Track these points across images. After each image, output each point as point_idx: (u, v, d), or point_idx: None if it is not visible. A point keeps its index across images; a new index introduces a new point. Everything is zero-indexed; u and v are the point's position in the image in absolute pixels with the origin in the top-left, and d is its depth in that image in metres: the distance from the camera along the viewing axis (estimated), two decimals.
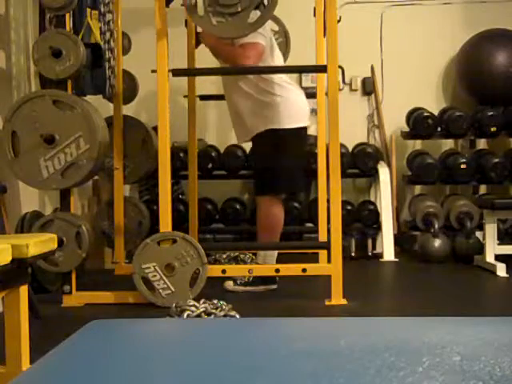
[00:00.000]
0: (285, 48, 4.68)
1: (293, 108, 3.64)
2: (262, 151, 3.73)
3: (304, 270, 3.49)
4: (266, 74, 3.64)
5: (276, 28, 4.79)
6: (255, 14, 3.20)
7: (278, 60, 3.74)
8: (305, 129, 3.73)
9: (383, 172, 5.20)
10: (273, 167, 3.67)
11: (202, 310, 2.94)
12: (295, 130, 3.64)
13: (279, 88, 3.63)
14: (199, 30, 4.15)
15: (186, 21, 4.37)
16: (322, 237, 4.25)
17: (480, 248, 4.60)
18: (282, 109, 3.61)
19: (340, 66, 4.24)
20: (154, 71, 3.54)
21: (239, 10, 3.15)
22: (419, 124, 5.26)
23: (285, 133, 3.62)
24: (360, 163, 5.29)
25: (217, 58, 3.84)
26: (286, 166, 3.67)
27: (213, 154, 5.28)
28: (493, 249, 4.38)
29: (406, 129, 5.42)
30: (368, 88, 5.68)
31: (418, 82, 5.62)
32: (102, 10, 3.68)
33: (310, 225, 5.14)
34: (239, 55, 3.53)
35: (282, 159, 3.65)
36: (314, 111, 5.36)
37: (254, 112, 3.65)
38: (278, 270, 3.52)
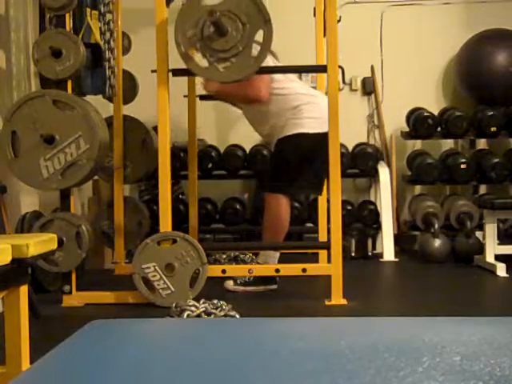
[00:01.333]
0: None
1: (319, 114, 3.66)
2: (285, 152, 3.75)
3: (304, 270, 3.49)
4: (265, 74, 3.64)
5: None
6: (255, 48, 3.22)
7: (281, 76, 3.77)
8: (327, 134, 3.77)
9: (383, 172, 5.20)
10: (292, 168, 3.71)
11: (202, 309, 2.94)
12: (320, 135, 3.66)
13: (305, 97, 3.70)
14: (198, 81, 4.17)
15: None
16: (322, 237, 4.25)
17: (480, 248, 4.60)
18: (309, 115, 3.67)
19: (340, 66, 4.23)
20: (153, 71, 3.54)
21: (241, 49, 3.17)
22: (419, 124, 5.26)
23: (310, 137, 3.66)
24: (360, 163, 5.29)
25: (225, 101, 3.90)
26: (305, 169, 3.72)
27: (213, 154, 5.28)
28: (493, 249, 4.38)
29: (406, 129, 5.42)
30: (368, 88, 5.68)
31: (418, 82, 5.62)
32: (102, 10, 3.68)
33: (310, 225, 5.14)
34: (250, 91, 3.62)
35: (302, 161, 3.70)
36: None
37: (279, 126, 3.70)
38: (278, 270, 3.52)
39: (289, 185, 3.73)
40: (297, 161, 3.71)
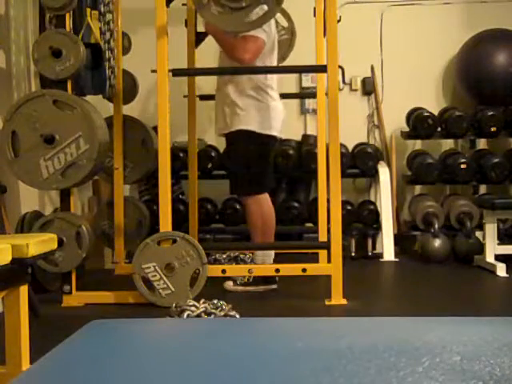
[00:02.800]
0: (287, 46, 4.68)
1: (269, 115, 3.67)
2: (236, 150, 3.78)
3: (304, 270, 3.49)
4: (264, 74, 3.64)
5: (285, 24, 4.80)
6: (262, 9, 3.20)
7: (274, 62, 3.76)
8: (274, 138, 3.76)
9: (383, 172, 5.20)
10: (249, 166, 3.71)
11: (202, 309, 2.94)
12: (266, 137, 3.67)
13: (262, 93, 3.68)
14: (200, 28, 4.16)
15: (186, 21, 4.37)
16: (322, 237, 4.25)
17: (480, 248, 4.60)
18: (259, 113, 3.67)
19: (340, 66, 4.23)
20: (153, 71, 3.54)
21: (243, 5, 3.15)
22: (419, 124, 5.26)
23: (256, 137, 3.67)
24: (360, 163, 5.29)
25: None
26: (261, 165, 3.74)
27: (213, 154, 5.28)
28: (493, 249, 4.38)
29: (406, 129, 5.42)
30: (368, 88, 5.68)
31: (418, 82, 5.62)
32: (102, 9, 3.68)
33: (309, 225, 5.14)
34: (239, 47, 3.56)
35: (255, 159, 3.71)
36: (314, 111, 5.38)
37: (234, 108, 3.69)
38: (278, 270, 3.52)
39: (257, 183, 3.73)
40: (253, 157, 3.70)
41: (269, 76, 3.72)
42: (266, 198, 3.76)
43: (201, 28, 4.10)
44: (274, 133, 3.74)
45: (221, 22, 3.28)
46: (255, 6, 3.18)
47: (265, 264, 3.76)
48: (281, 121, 3.77)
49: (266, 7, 3.18)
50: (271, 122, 3.69)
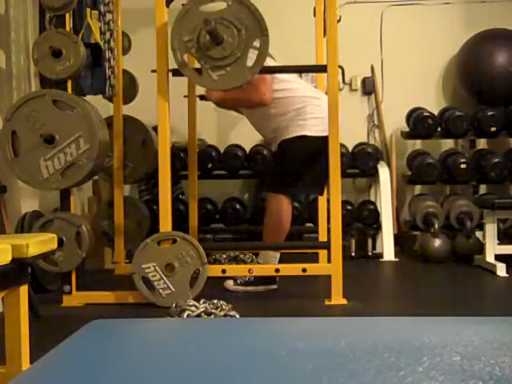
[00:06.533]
0: None
1: (322, 115, 3.66)
2: (287, 154, 3.76)
3: (304, 270, 3.49)
4: (266, 74, 3.64)
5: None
6: (253, 53, 3.21)
7: (280, 76, 3.76)
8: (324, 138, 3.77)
9: (383, 172, 5.20)
10: (294, 169, 3.72)
11: (201, 309, 2.94)
12: (323, 138, 3.66)
13: (306, 99, 3.70)
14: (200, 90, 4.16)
15: None
16: (322, 237, 4.25)
17: (480, 248, 4.61)
18: (312, 116, 3.67)
19: (340, 66, 4.23)
20: (154, 71, 3.54)
21: (238, 55, 3.16)
22: (419, 124, 5.26)
23: (313, 140, 3.66)
24: (360, 163, 5.29)
25: (232, 109, 3.91)
26: (306, 170, 3.73)
27: (213, 154, 5.28)
28: (493, 249, 4.38)
29: (406, 129, 5.42)
30: (368, 88, 5.69)
31: (418, 82, 5.62)
32: (102, 9, 3.68)
33: (310, 225, 5.14)
34: (253, 95, 3.61)
35: (306, 163, 3.71)
36: None
37: (281, 127, 3.71)
38: (277, 270, 3.52)
39: (290, 185, 3.74)
40: (299, 162, 3.72)
41: (294, 81, 3.76)
42: (287, 200, 3.74)
43: None
44: (323, 133, 3.69)
45: (225, 83, 3.28)
46: (247, 54, 3.18)
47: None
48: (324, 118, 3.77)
49: (256, 51, 3.19)
50: (322, 124, 3.67)
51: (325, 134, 3.53)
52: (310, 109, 3.69)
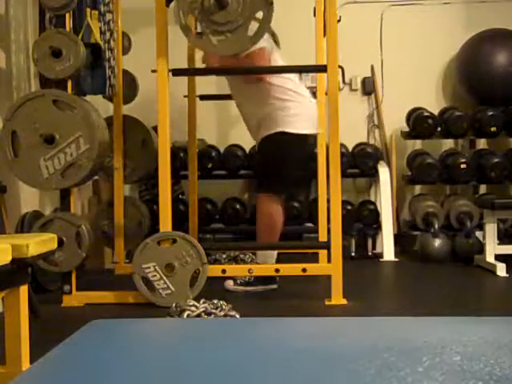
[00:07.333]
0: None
1: (303, 114, 3.66)
2: (269, 151, 3.74)
3: (304, 270, 3.49)
4: (265, 73, 3.64)
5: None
6: (253, 25, 3.21)
7: (279, 61, 3.76)
8: (311, 136, 3.75)
9: (383, 172, 5.20)
10: (277, 167, 3.70)
11: (201, 309, 2.94)
12: (303, 136, 3.65)
13: (292, 94, 3.67)
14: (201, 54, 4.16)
15: None
16: (322, 237, 4.25)
17: (480, 248, 4.60)
18: (293, 113, 3.64)
19: (340, 66, 4.23)
20: (154, 71, 3.54)
21: (240, 23, 3.16)
22: (419, 124, 5.26)
23: (292, 137, 3.64)
24: (360, 163, 5.29)
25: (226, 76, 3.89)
26: (290, 168, 3.71)
27: (213, 154, 5.28)
28: (493, 249, 4.38)
29: (406, 129, 5.42)
30: (368, 88, 5.68)
31: (418, 82, 5.62)
32: (102, 10, 3.68)
33: (310, 225, 5.14)
34: (251, 65, 3.56)
35: (286, 160, 3.68)
36: None
37: (266, 116, 3.68)
38: (278, 270, 3.52)
39: (277, 184, 3.73)
40: (283, 159, 3.69)
41: (287, 76, 3.73)
42: (278, 200, 3.74)
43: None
44: (313, 130, 3.71)
45: (224, 49, 3.28)
46: (249, 23, 3.18)
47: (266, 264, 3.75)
48: (313, 117, 3.75)
49: (257, 24, 3.19)
50: (308, 120, 3.67)
51: (307, 131, 3.54)
52: (294, 105, 3.66)
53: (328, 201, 3.83)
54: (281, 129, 3.63)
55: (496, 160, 5.17)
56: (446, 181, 5.32)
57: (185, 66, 4.29)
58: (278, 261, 3.83)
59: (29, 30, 4.19)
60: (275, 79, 3.67)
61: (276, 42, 3.83)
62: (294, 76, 3.84)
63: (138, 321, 1.51)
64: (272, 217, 3.72)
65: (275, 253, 3.83)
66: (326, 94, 3.66)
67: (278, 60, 3.73)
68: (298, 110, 3.66)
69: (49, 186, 3.44)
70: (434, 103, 5.58)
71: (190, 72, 4.27)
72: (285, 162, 3.69)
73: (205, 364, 0.87)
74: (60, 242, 3.26)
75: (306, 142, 3.73)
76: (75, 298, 3.49)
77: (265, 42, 3.54)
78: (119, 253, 4.11)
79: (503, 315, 1.11)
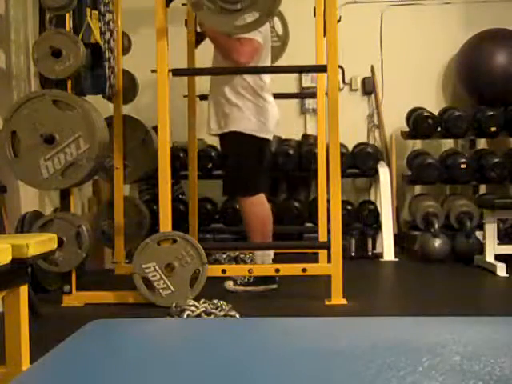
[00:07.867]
0: (277, 52, 4.65)
1: (263, 117, 3.68)
2: (229, 152, 3.79)
3: (304, 270, 3.49)
4: (263, 73, 3.64)
5: (280, 32, 4.81)
6: (252, 16, 3.20)
7: (265, 61, 3.76)
8: (267, 141, 3.78)
9: (383, 172, 5.20)
10: (243, 168, 3.72)
11: (201, 309, 2.94)
12: (259, 140, 3.69)
13: (256, 95, 3.69)
14: (199, 29, 4.16)
15: (185, 20, 4.37)
16: (322, 237, 4.25)
17: (480, 248, 4.60)
18: (253, 115, 3.67)
19: (340, 66, 4.24)
20: (153, 71, 3.54)
21: (238, 7, 3.14)
22: (419, 124, 5.26)
23: (248, 139, 3.67)
24: (360, 163, 5.29)
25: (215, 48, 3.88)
26: (254, 167, 3.74)
27: (213, 154, 5.28)
28: (493, 249, 4.38)
29: (406, 129, 5.42)
30: (368, 88, 5.69)
31: (418, 82, 5.62)
32: (102, 9, 3.68)
33: (310, 225, 5.14)
34: (235, 49, 3.56)
35: (248, 161, 3.72)
36: (314, 111, 5.38)
37: (227, 109, 3.69)
38: (278, 270, 3.52)
39: (251, 184, 3.73)
40: (246, 159, 3.71)
41: (263, 77, 3.72)
42: (261, 198, 3.75)
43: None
44: (268, 136, 3.74)
45: (212, 22, 3.27)
46: (246, 12, 3.17)
47: (264, 264, 3.76)
48: (275, 122, 3.77)
49: (257, 14, 3.18)
50: (265, 125, 3.69)
51: (265, 136, 3.58)
52: (253, 105, 3.67)
53: (328, 201, 3.83)
54: (236, 128, 3.66)
55: (496, 160, 5.17)
56: (446, 181, 5.32)
57: (185, 65, 4.29)
58: (278, 261, 3.83)
59: (29, 30, 4.19)
60: (249, 76, 3.67)
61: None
62: (268, 79, 3.82)
63: (138, 321, 1.51)
64: (257, 217, 3.73)
65: (271, 252, 3.83)
66: (326, 94, 3.66)
67: (265, 60, 3.72)
68: (254, 112, 3.67)
69: (49, 186, 3.44)
70: (434, 103, 5.58)
71: (190, 72, 4.27)
72: (246, 161, 3.72)
73: (205, 364, 0.87)
74: (60, 242, 3.26)
75: (260, 146, 3.74)
76: (75, 298, 3.49)
77: (260, 36, 3.54)
78: (119, 253, 4.11)
79: (503, 315, 1.11)
